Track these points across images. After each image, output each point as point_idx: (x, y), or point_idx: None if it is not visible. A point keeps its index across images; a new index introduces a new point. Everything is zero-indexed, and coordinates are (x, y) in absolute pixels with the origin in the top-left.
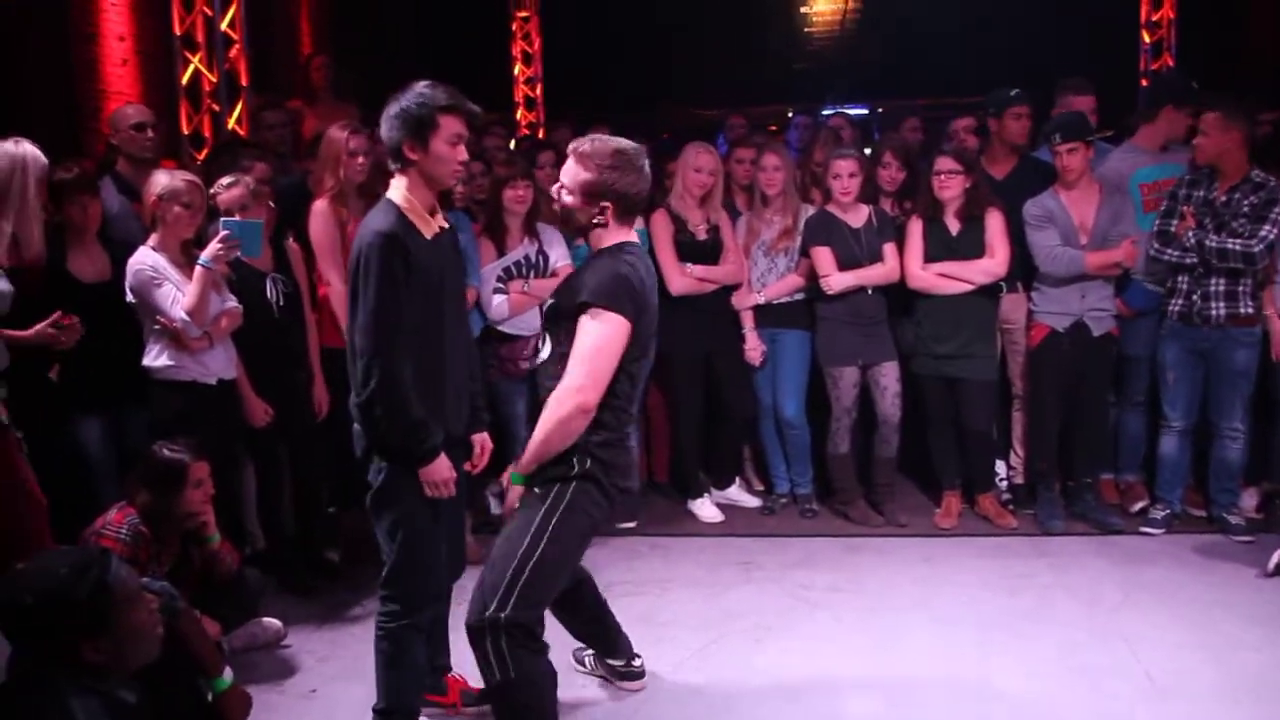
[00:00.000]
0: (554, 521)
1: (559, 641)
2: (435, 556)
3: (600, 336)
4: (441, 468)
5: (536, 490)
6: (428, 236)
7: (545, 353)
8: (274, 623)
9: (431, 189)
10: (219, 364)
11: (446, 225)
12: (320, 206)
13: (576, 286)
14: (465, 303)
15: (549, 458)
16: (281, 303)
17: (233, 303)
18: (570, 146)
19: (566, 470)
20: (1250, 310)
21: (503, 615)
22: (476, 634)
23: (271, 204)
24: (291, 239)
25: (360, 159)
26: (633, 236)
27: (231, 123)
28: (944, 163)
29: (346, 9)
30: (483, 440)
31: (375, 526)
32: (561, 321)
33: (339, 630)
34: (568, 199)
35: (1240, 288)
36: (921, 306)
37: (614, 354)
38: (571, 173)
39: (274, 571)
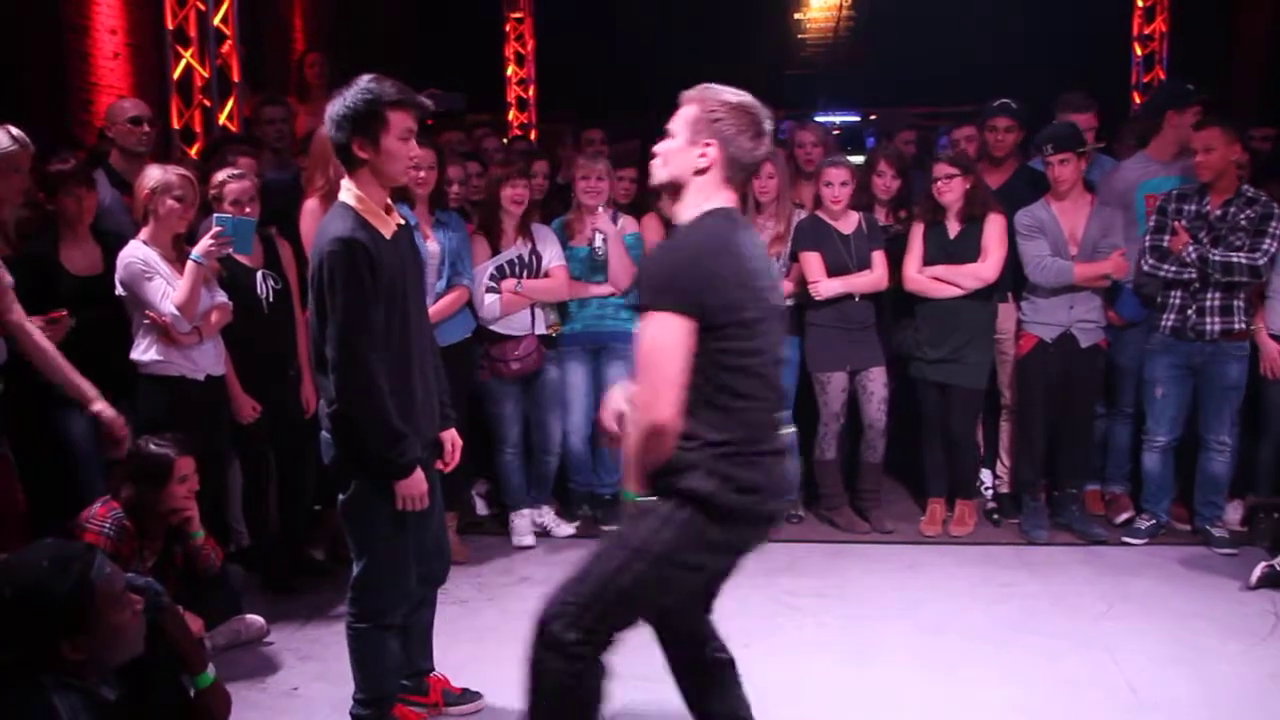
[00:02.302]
0: (653, 546)
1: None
2: (404, 566)
3: (655, 341)
4: (418, 481)
5: (640, 499)
6: (387, 235)
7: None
8: (257, 620)
9: (384, 187)
10: (208, 360)
11: (404, 222)
12: (311, 205)
13: (640, 280)
14: (426, 300)
15: (650, 473)
16: (271, 299)
17: (223, 298)
18: (682, 94)
19: (673, 482)
20: (1243, 325)
21: (568, 638)
22: (536, 635)
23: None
24: (276, 233)
25: None
26: (728, 204)
27: (223, 118)
28: (941, 168)
29: (341, 6)
30: (452, 437)
31: (346, 531)
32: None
33: (322, 628)
34: (668, 145)
35: (1235, 302)
36: (919, 310)
37: (676, 357)
38: (677, 117)
39: (258, 569)
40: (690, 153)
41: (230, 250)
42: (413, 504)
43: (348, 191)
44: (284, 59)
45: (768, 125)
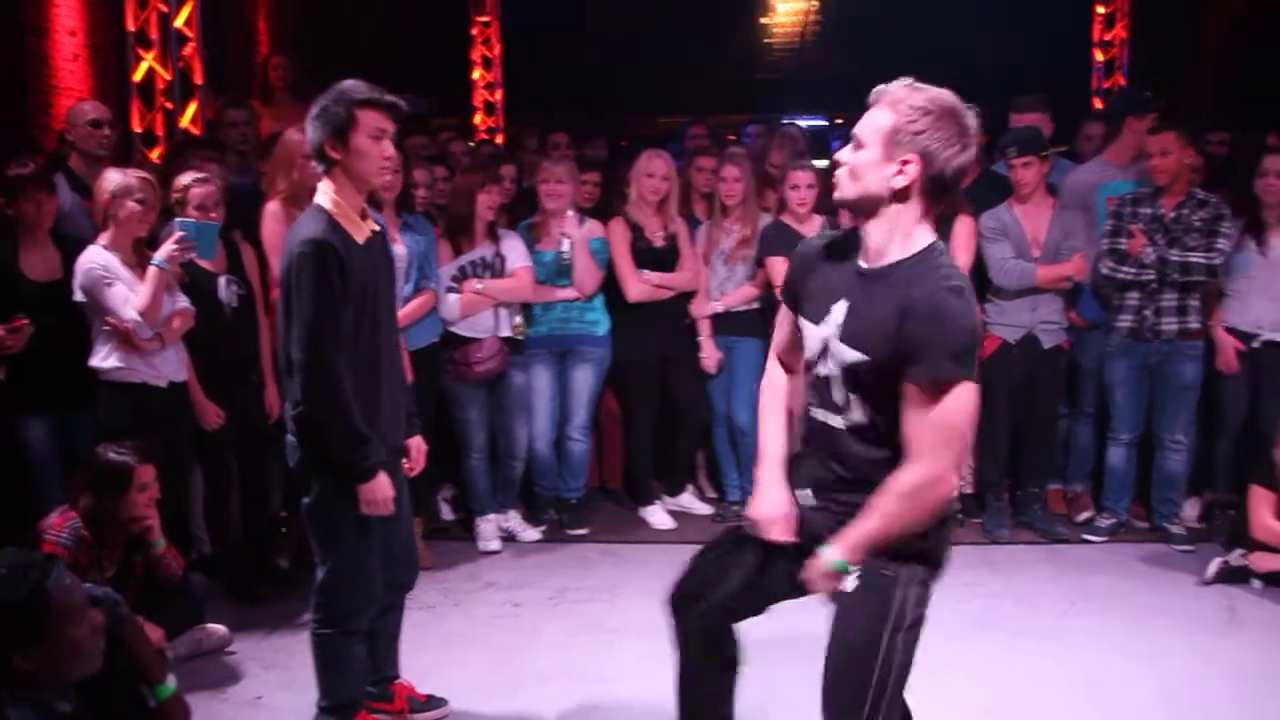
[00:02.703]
0: (909, 615)
1: None
2: (368, 571)
3: (963, 412)
4: (382, 485)
5: (881, 571)
6: (360, 240)
7: (856, 417)
8: (219, 629)
9: (359, 189)
10: (170, 366)
11: (378, 228)
12: (273, 208)
13: (909, 341)
14: (395, 307)
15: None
16: (235, 304)
17: (184, 303)
18: (871, 96)
19: (899, 550)
20: (1199, 324)
21: None
22: None
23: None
24: (239, 237)
25: (315, 162)
26: (933, 236)
27: (185, 122)
28: None
29: (305, 10)
30: (417, 444)
31: (310, 536)
32: (877, 383)
33: (286, 637)
34: (859, 158)
35: (1190, 302)
36: None
37: (972, 427)
38: (868, 123)
39: (221, 577)
40: (885, 170)
41: (194, 256)
42: (376, 508)
43: (323, 194)
44: (248, 62)
45: (972, 127)
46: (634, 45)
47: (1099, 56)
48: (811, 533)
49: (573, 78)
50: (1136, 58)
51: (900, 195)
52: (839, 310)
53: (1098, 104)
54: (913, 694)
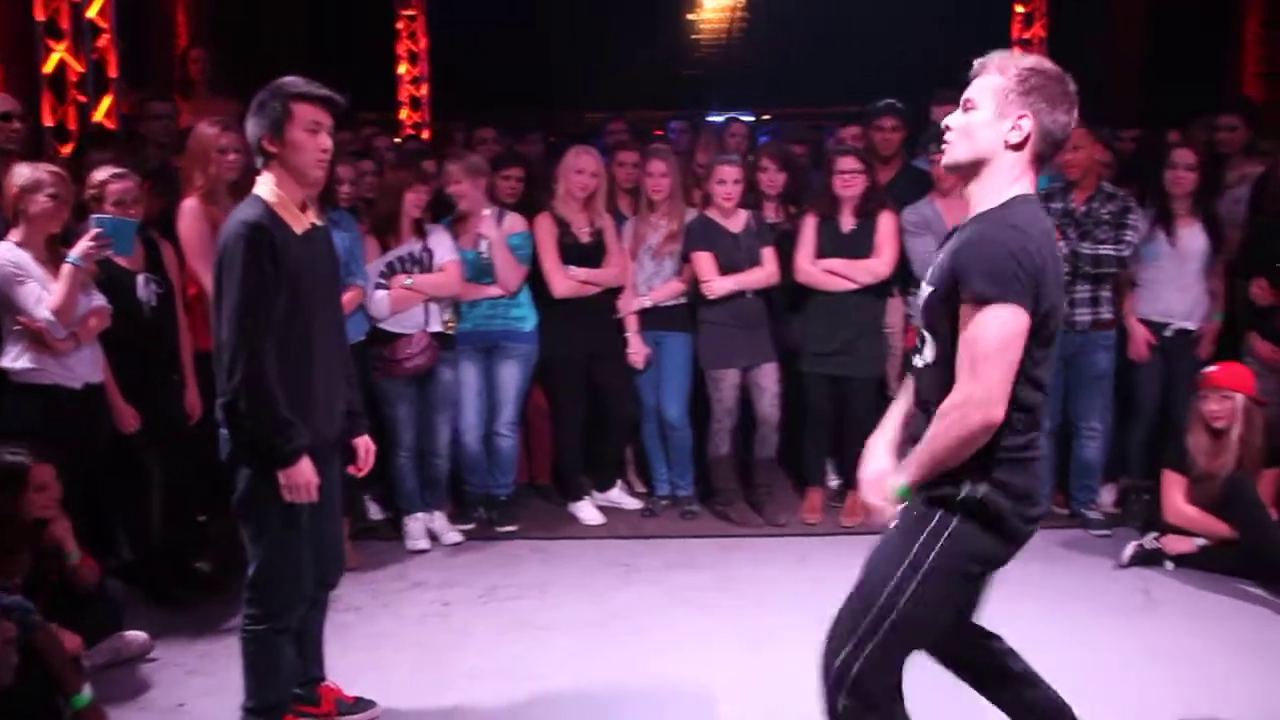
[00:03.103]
0: (928, 561)
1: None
2: (299, 563)
3: (998, 334)
4: (303, 470)
5: (915, 513)
6: (298, 232)
7: (929, 354)
8: (139, 636)
9: (300, 183)
10: (85, 367)
11: (319, 223)
12: (190, 204)
13: (955, 267)
14: (339, 307)
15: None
16: (154, 303)
17: (100, 301)
18: (975, 66)
19: (954, 492)
20: (1111, 315)
21: (853, 669)
22: (825, 676)
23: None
24: (157, 234)
25: (231, 156)
26: (1028, 189)
27: (100, 115)
28: (848, 162)
29: (226, 3)
30: (365, 444)
31: (240, 528)
32: (942, 315)
33: (209, 643)
34: (973, 118)
35: (1103, 293)
36: (809, 304)
37: (1016, 353)
38: (980, 86)
39: (141, 583)
40: (1000, 126)
41: (110, 252)
42: (297, 494)
43: (263, 185)
44: (167, 55)
45: (1074, 91)
46: (562, 41)
47: None
48: None
49: (500, 73)
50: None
51: (1014, 150)
52: (938, 263)
53: None
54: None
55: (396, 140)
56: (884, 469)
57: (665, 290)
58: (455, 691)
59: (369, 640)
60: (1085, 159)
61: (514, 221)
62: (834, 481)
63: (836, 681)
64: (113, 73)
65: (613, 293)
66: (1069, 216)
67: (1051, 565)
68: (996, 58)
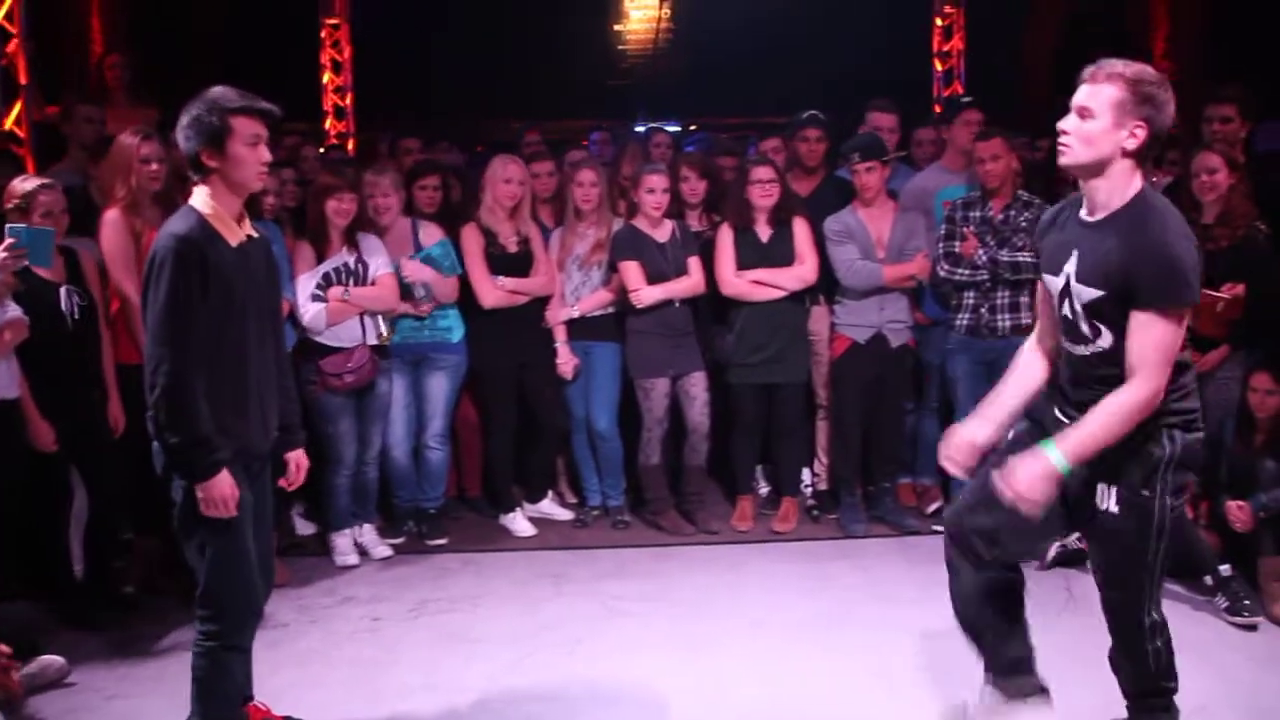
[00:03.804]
0: (1168, 514)
1: None
2: (249, 576)
3: (1175, 340)
4: (221, 484)
5: (1144, 492)
6: (233, 244)
7: (1103, 343)
8: (55, 660)
9: (237, 195)
10: (0, 381)
11: (255, 235)
12: (112, 216)
13: (1133, 276)
14: (278, 317)
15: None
16: (76, 315)
17: (16, 313)
18: (1086, 73)
19: (1165, 452)
20: (1030, 320)
21: (1155, 615)
22: (1133, 642)
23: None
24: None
25: (154, 165)
26: (1143, 183)
27: (9, 123)
28: (764, 171)
29: (144, 8)
30: (298, 458)
31: (184, 547)
32: (1114, 313)
33: (132, 665)
34: (1091, 126)
35: (1022, 299)
36: (738, 315)
37: (1179, 349)
38: (1097, 96)
39: (59, 604)
40: (1118, 134)
41: (25, 263)
42: (214, 508)
43: (198, 197)
44: (82, 61)
45: (1172, 94)
46: (489, 51)
47: (938, 66)
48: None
49: (425, 83)
50: (974, 69)
51: (1129, 155)
52: (1072, 260)
53: (939, 111)
54: (771, 686)
55: (321, 150)
56: (968, 439)
57: (593, 300)
58: (387, 708)
59: (298, 657)
60: (1003, 168)
61: (432, 230)
62: (764, 489)
63: (1150, 634)
64: (23, 79)
65: (541, 303)
66: (987, 224)
67: None
68: (1107, 67)
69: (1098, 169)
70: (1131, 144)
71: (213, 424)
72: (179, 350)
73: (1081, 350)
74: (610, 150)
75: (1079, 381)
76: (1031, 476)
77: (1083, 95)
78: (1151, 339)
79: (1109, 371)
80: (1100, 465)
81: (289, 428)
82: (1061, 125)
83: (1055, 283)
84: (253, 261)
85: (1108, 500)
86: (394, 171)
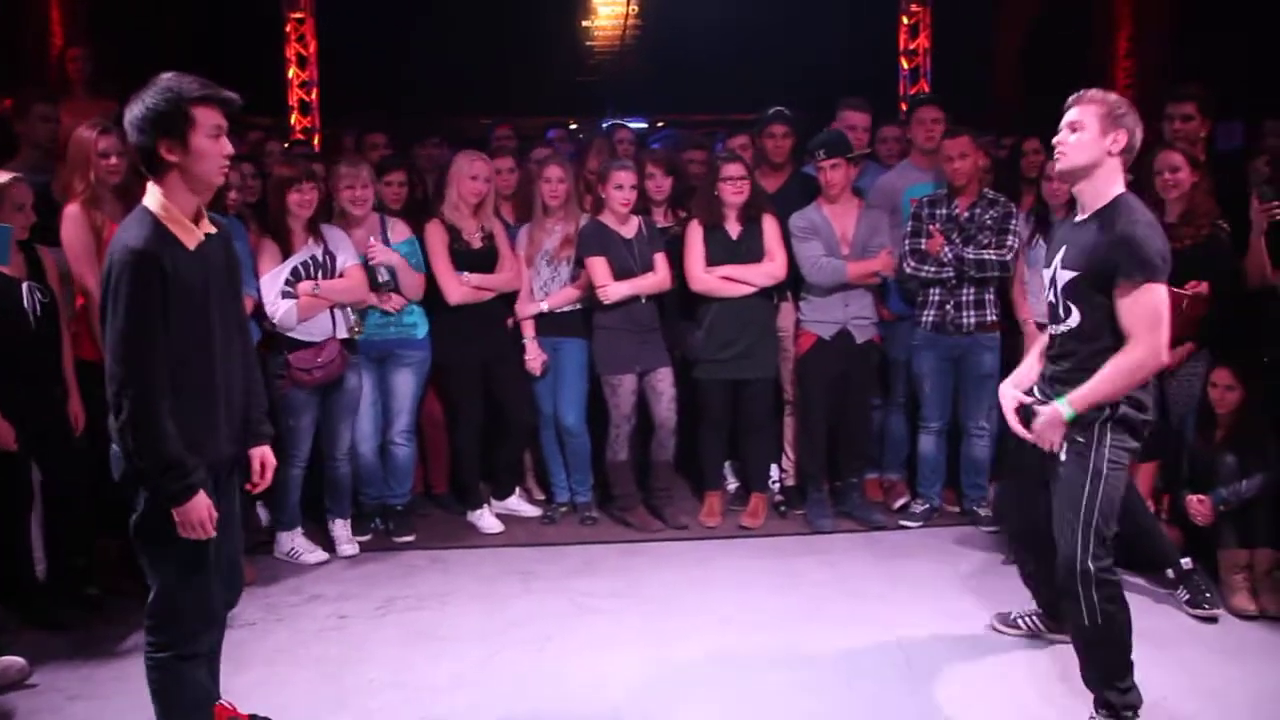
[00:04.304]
0: (1105, 464)
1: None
2: (206, 587)
3: (1159, 305)
4: (198, 507)
5: (1079, 438)
6: (190, 247)
7: (1072, 322)
8: (16, 661)
9: (197, 192)
10: None
11: (214, 230)
12: (72, 211)
13: (1111, 257)
14: (241, 312)
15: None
16: (39, 313)
17: None
18: (1071, 99)
19: (1100, 414)
20: (995, 317)
21: (1091, 565)
22: (1068, 584)
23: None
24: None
25: (113, 159)
26: (1123, 189)
27: None
28: (734, 169)
29: (105, 1)
30: (263, 455)
31: (139, 553)
32: (1087, 292)
33: (94, 666)
34: (1083, 136)
35: (987, 296)
36: (708, 312)
37: (1165, 318)
38: (1085, 112)
39: (18, 605)
40: (1103, 142)
41: None
42: (192, 532)
43: (152, 197)
44: (42, 54)
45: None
46: (455, 46)
47: (905, 64)
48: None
49: (392, 79)
50: (940, 67)
51: (1113, 157)
52: (1061, 252)
53: (904, 109)
54: (740, 682)
55: (285, 145)
56: (1044, 408)
57: (561, 296)
58: (354, 706)
59: (265, 656)
60: (969, 167)
61: (399, 227)
62: (732, 484)
63: (1084, 583)
64: None
65: (507, 299)
66: (953, 222)
67: (945, 563)
68: (1089, 93)
69: (1087, 172)
70: (1115, 148)
71: (181, 441)
72: (142, 370)
73: (1058, 329)
74: (569, 148)
75: (1054, 357)
76: (1047, 421)
77: (1073, 114)
78: (1134, 308)
79: (1077, 347)
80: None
81: (253, 421)
82: (1056, 140)
83: (1047, 274)
84: (212, 262)
85: (1063, 452)
86: (369, 166)
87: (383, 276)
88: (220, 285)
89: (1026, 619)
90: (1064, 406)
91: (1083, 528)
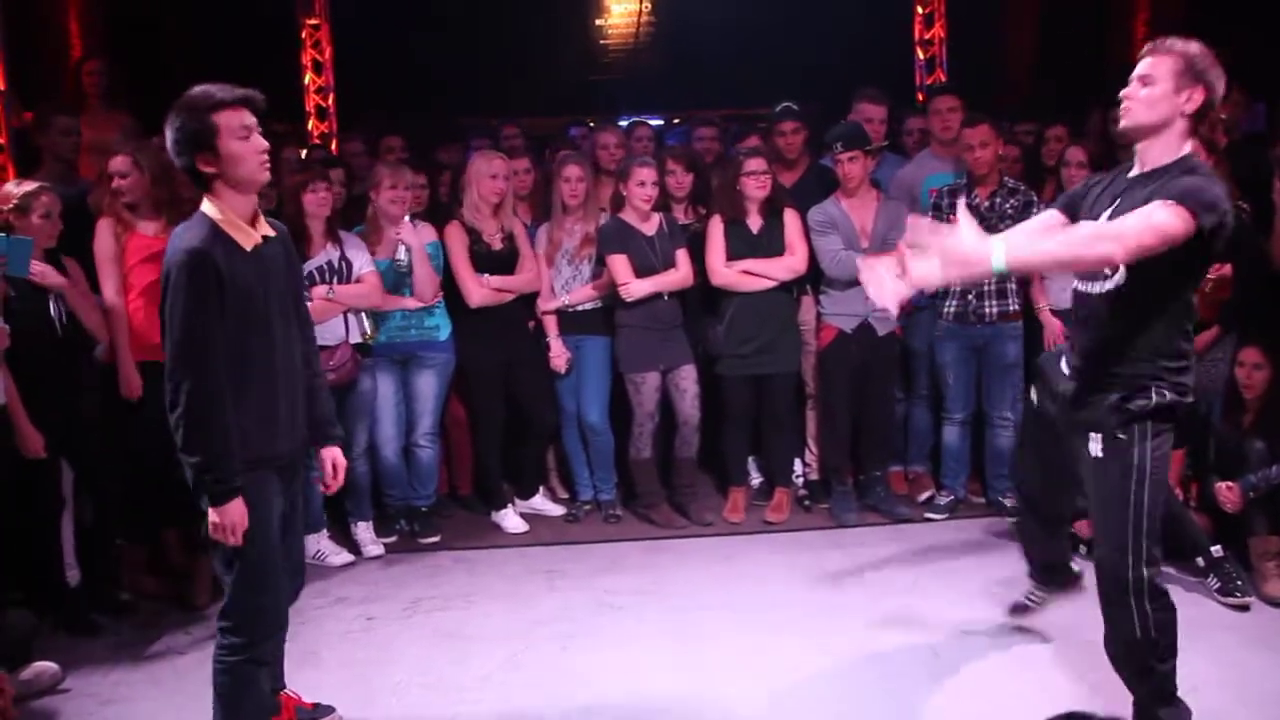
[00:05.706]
0: (1149, 460)
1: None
2: (278, 589)
3: (1165, 220)
4: (233, 511)
5: (1120, 435)
6: (247, 248)
7: (1119, 279)
8: (49, 666)
9: (244, 193)
10: None
11: (273, 233)
12: (101, 223)
13: (1152, 197)
14: (304, 312)
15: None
16: (64, 321)
17: None
18: (1146, 48)
19: (1145, 405)
20: (1017, 307)
21: (1145, 572)
22: (1117, 597)
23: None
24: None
25: (126, 179)
26: (1192, 148)
27: None
28: (757, 163)
29: (122, 12)
30: (334, 456)
31: (212, 557)
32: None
33: (127, 671)
34: (1153, 92)
35: (1009, 285)
36: (728, 307)
37: (1160, 237)
38: (1158, 66)
39: (53, 611)
40: (1177, 99)
41: (4, 271)
42: (223, 534)
43: (207, 204)
44: (60, 67)
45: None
46: (469, 49)
47: (920, 54)
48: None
49: (407, 82)
50: (956, 56)
51: (1186, 118)
52: (1112, 205)
53: (922, 99)
54: (765, 677)
55: (304, 152)
56: (978, 237)
57: (582, 293)
58: (382, 707)
59: (292, 658)
60: (990, 155)
61: (426, 230)
62: (756, 480)
63: (1136, 592)
64: (1, 84)
65: (528, 299)
66: (974, 211)
67: (972, 554)
68: (1167, 42)
69: (1155, 130)
70: (1190, 107)
71: (239, 441)
72: (199, 369)
73: (1096, 288)
74: (589, 146)
75: (1085, 323)
76: (966, 250)
77: (1145, 65)
78: (1142, 212)
79: (1116, 316)
80: (1090, 414)
81: (322, 422)
82: (1124, 93)
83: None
84: (270, 264)
85: (1096, 446)
86: (410, 169)
87: (400, 255)
88: (280, 286)
89: (1028, 598)
90: (998, 254)
91: (1133, 535)
